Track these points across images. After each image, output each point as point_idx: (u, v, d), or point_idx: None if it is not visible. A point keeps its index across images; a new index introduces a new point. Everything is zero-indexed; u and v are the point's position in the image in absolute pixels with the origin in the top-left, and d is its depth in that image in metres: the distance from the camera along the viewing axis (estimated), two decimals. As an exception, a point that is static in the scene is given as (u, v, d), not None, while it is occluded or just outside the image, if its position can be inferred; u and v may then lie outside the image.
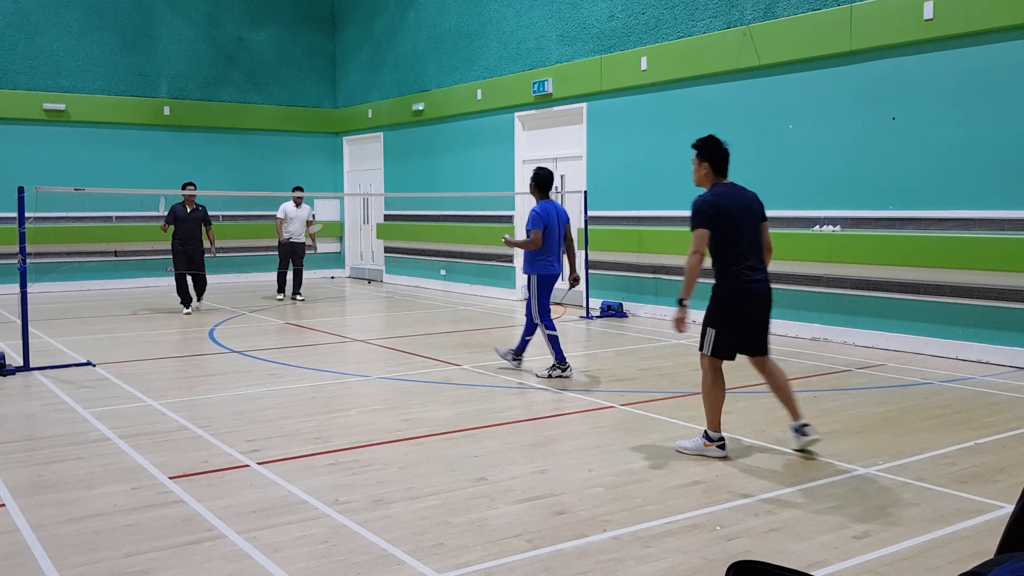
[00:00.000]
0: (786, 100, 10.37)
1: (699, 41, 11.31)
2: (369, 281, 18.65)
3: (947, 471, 5.10)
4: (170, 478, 5.02)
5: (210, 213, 13.45)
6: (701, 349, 5.43)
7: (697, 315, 5.97)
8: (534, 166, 8.89)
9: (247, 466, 5.27)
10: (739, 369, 5.81)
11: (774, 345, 5.99)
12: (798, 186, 10.14)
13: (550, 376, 7.90)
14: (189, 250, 12.80)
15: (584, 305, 12.61)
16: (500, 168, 14.84)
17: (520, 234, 13.67)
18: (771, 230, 5.78)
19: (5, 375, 8.13)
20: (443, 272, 16.59)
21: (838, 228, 9.81)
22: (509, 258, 14.69)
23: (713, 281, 5.38)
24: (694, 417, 6.34)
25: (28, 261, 8.50)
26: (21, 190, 8.43)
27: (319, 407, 6.92)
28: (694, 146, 5.55)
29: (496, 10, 14.85)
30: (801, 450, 5.42)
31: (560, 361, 7.94)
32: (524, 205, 13.37)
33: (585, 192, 12.63)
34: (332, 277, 19.58)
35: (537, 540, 4.05)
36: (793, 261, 10.03)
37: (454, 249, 16.22)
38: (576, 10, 13.25)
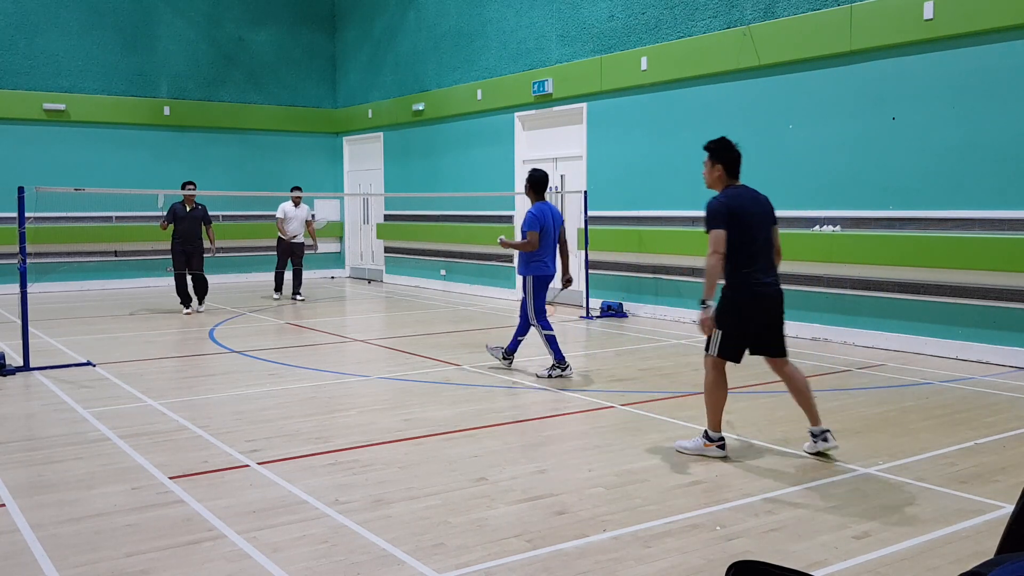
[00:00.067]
0: (786, 100, 10.37)
1: (699, 41, 11.31)
2: (369, 281, 18.66)
3: (947, 471, 5.10)
4: (170, 478, 5.02)
5: (210, 213, 13.43)
6: (707, 349, 5.40)
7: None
8: (534, 166, 8.91)
9: (247, 466, 5.27)
10: (740, 369, 5.80)
11: (774, 345, 5.98)
12: (798, 186, 10.14)
13: (550, 376, 7.91)
14: (189, 250, 12.78)
15: (584, 305, 12.61)
16: (500, 168, 14.85)
17: (517, 235, 13.66)
18: (772, 230, 5.76)
19: (5, 375, 8.13)
20: (443, 272, 16.60)
21: (838, 228, 9.81)
22: (509, 258, 14.69)
23: (723, 282, 5.34)
24: (694, 417, 6.34)
25: (28, 261, 8.50)
26: (21, 190, 8.43)
27: (319, 407, 6.92)
28: (706, 148, 5.50)
29: (496, 10, 14.85)
30: (817, 453, 5.39)
31: (559, 361, 7.94)
32: (524, 205, 13.36)
33: (585, 192, 12.63)
34: (332, 277, 19.58)
35: (537, 540, 4.05)
36: (793, 261, 10.01)
37: (454, 249, 16.22)
38: (576, 10, 13.25)
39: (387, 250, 18.37)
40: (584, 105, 13.20)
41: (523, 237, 8.03)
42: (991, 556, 1.22)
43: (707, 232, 5.25)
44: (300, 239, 14.75)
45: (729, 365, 5.42)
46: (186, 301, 12.93)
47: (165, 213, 13.04)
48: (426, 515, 4.38)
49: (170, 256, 13.02)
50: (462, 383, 7.81)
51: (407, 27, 17.21)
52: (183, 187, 12.85)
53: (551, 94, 13.63)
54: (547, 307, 8.19)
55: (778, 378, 5.60)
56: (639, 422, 6.34)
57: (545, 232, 7.98)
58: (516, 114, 14.56)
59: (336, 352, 9.77)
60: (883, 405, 6.83)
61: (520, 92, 14.27)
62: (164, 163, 17.32)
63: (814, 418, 5.39)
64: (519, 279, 8.58)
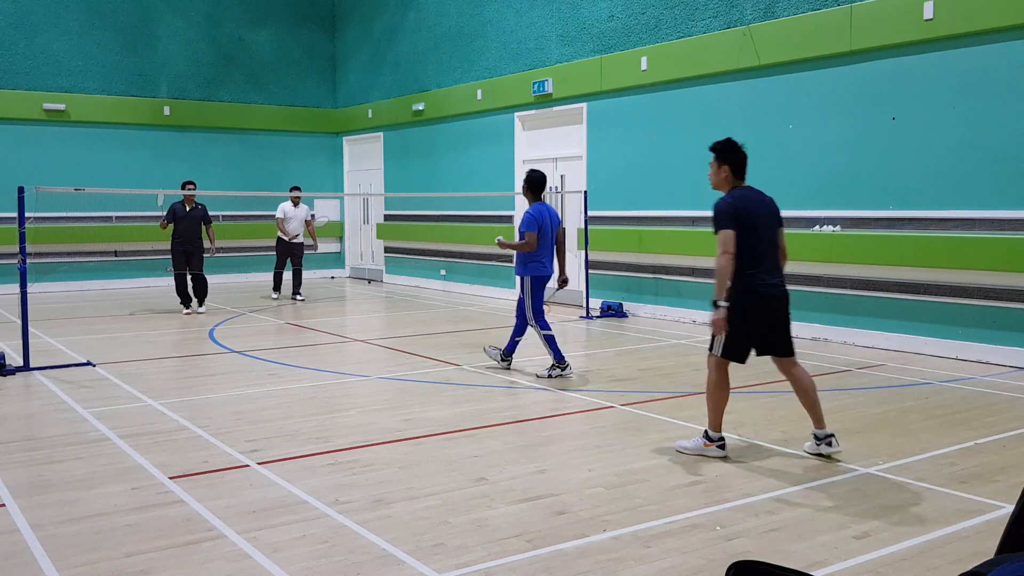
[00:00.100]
0: (786, 100, 10.37)
1: (699, 41, 11.31)
2: (369, 281, 18.66)
3: (947, 471, 5.10)
4: (170, 478, 5.02)
5: (210, 213, 13.43)
6: (711, 350, 5.39)
7: (700, 315, 5.95)
8: (532, 167, 8.92)
9: (247, 466, 5.27)
10: (740, 369, 5.79)
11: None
12: (798, 186, 10.13)
13: (550, 376, 7.91)
14: (188, 250, 12.77)
15: (584, 305, 12.61)
16: (500, 168, 14.85)
17: (515, 235, 13.67)
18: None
19: (5, 375, 8.13)
20: (443, 272, 16.60)
21: (838, 228, 9.81)
22: (508, 258, 14.68)
23: (728, 283, 5.31)
24: (694, 417, 6.34)
25: (28, 261, 8.50)
26: (21, 190, 8.43)
27: (319, 407, 6.92)
28: (713, 148, 5.49)
29: (496, 10, 14.85)
30: (817, 454, 5.38)
31: (559, 360, 7.94)
32: (524, 206, 13.37)
33: (585, 192, 12.63)
34: (332, 277, 19.58)
35: (537, 540, 4.05)
36: (793, 261, 9.90)
37: (454, 249, 16.22)
38: (576, 10, 13.25)
39: (387, 250, 18.37)
40: (584, 105, 13.20)
41: (521, 238, 8.05)
42: (991, 556, 1.22)
43: (715, 233, 5.24)
44: (300, 239, 14.77)
45: (732, 365, 5.41)
46: (186, 301, 12.92)
47: (165, 213, 13.04)
48: (426, 515, 4.38)
49: (170, 256, 13.01)
50: (462, 383, 7.81)
51: (407, 27, 17.21)
52: (183, 187, 12.84)
53: (551, 94, 13.64)
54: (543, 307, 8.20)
55: (779, 378, 5.60)
56: (639, 422, 6.34)
57: (543, 233, 8.00)
58: (516, 114, 14.56)
59: (336, 352, 9.77)
60: (883, 405, 6.83)
61: (520, 92, 14.27)
62: (164, 163, 17.32)
63: (819, 421, 5.37)
64: (517, 279, 8.58)
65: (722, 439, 5.39)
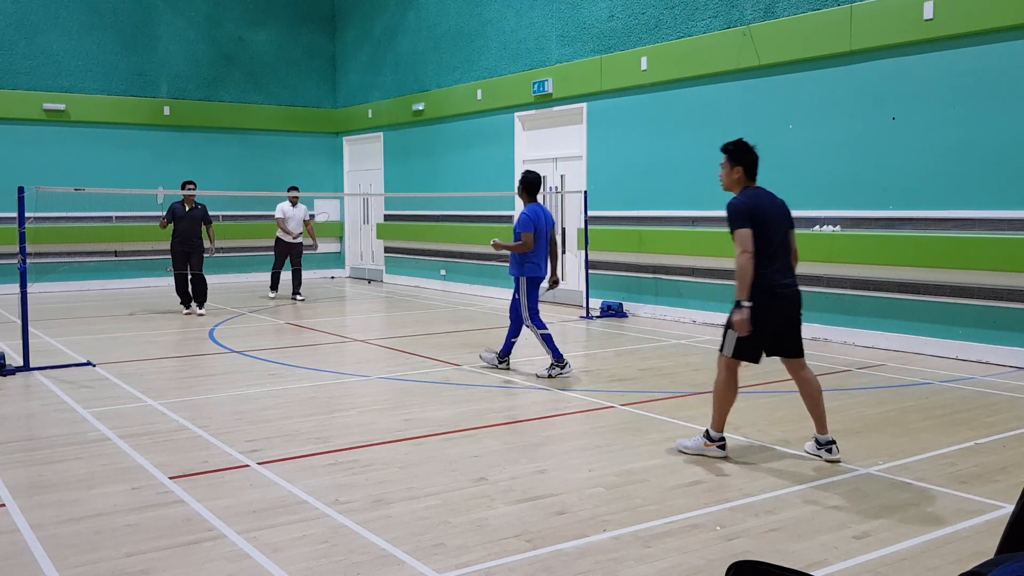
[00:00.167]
0: (786, 100, 10.37)
1: (699, 41, 11.31)
2: (369, 281, 18.66)
3: (947, 471, 5.10)
4: (170, 478, 5.02)
5: (210, 213, 13.42)
6: (721, 350, 5.37)
7: (716, 317, 5.94)
8: (527, 168, 8.94)
9: (247, 466, 5.27)
10: (740, 370, 5.79)
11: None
12: (798, 186, 10.13)
13: (550, 376, 7.91)
14: (187, 250, 12.74)
15: (584, 305, 12.61)
16: (500, 168, 14.85)
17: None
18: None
19: (5, 375, 8.13)
20: (443, 272, 16.60)
21: (838, 228, 9.81)
22: (507, 259, 14.66)
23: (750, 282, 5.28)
24: (694, 417, 6.34)
25: (28, 261, 8.50)
26: (21, 190, 8.43)
27: (319, 407, 6.92)
28: (725, 149, 5.47)
29: (496, 10, 14.85)
30: (817, 455, 5.38)
31: (558, 359, 7.95)
32: (523, 206, 13.38)
33: (585, 192, 12.63)
34: (332, 277, 19.58)
35: (537, 540, 4.05)
36: (793, 261, 10.02)
37: (454, 249, 16.22)
38: (576, 10, 13.25)
39: (387, 250, 18.37)
40: (584, 105, 13.20)
41: (517, 239, 8.07)
42: (991, 556, 1.21)
43: (731, 233, 5.20)
44: (299, 239, 14.78)
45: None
46: (186, 301, 12.91)
47: (165, 212, 13.03)
48: (426, 515, 4.38)
49: (170, 256, 12.99)
50: (462, 383, 7.81)
51: (407, 27, 17.22)
52: (183, 187, 12.83)
53: (551, 94, 13.64)
54: None
55: (779, 378, 5.60)
56: (639, 422, 6.34)
57: (538, 233, 8.05)
58: (516, 114, 14.56)
59: (336, 352, 9.77)
60: (883, 405, 6.83)
61: (520, 92, 14.27)
62: (164, 163, 17.32)
63: (822, 425, 5.36)
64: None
65: (723, 439, 5.39)
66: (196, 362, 9.20)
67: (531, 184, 8.21)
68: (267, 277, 15.42)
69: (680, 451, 5.48)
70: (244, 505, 4.55)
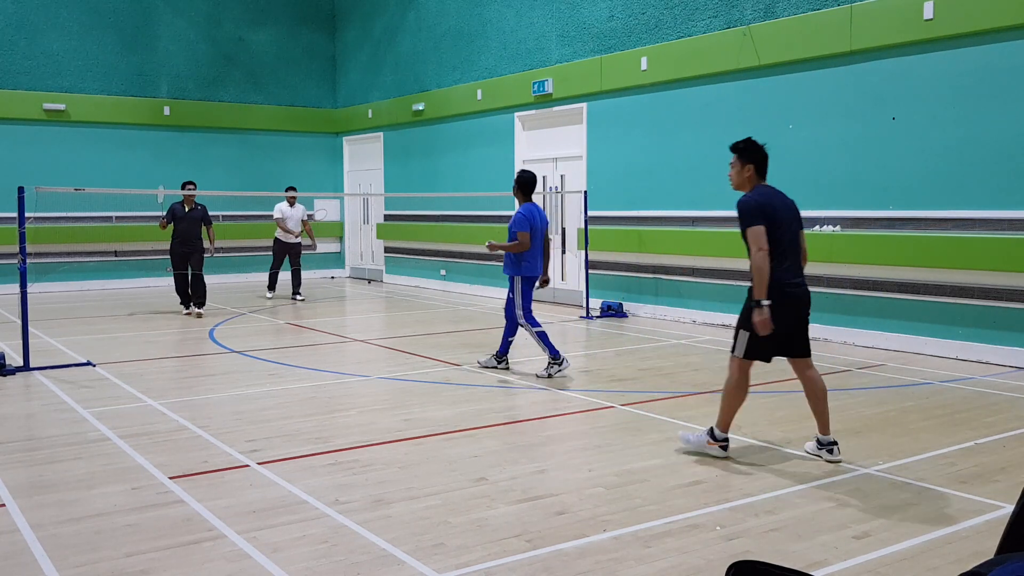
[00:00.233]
0: (786, 100, 10.37)
1: (699, 41, 11.31)
2: (369, 281, 18.66)
3: (947, 471, 5.10)
4: (170, 478, 5.02)
5: (210, 213, 13.41)
6: (733, 351, 5.35)
7: (727, 318, 5.93)
8: (533, 167, 8.94)
9: (247, 466, 5.27)
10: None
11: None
12: (798, 186, 10.06)
13: (549, 375, 7.91)
14: (187, 251, 12.72)
15: (584, 305, 12.61)
16: (500, 168, 14.84)
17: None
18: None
19: (5, 375, 8.13)
20: (443, 272, 16.60)
21: (838, 228, 9.81)
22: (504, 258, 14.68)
23: (751, 283, 5.27)
24: (694, 417, 6.34)
25: (28, 261, 8.50)
26: (21, 190, 8.43)
27: (319, 407, 6.92)
28: (735, 148, 5.45)
29: (496, 10, 14.85)
30: (817, 456, 5.38)
31: (554, 357, 7.95)
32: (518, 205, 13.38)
33: (585, 192, 12.63)
34: (332, 277, 19.58)
35: (537, 540, 4.05)
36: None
37: (454, 249, 16.22)
38: (576, 10, 13.25)
39: (387, 250, 18.37)
40: (584, 105, 13.20)
41: (512, 238, 8.08)
42: (991, 556, 1.22)
43: (743, 231, 5.16)
44: (297, 239, 14.78)
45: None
46: (186, 301, 12.90)
47: (165, 213, 13.02)
48: (426, 515, 4.38)
49: (169, 256, 12.98)
50: (462, 383, 7.81)
51: (407, 27, 17.22)
52: (183, 187, 12.82)
53: (551, 94, 13.64)
54: None
55: (778, 378, 5.59)
56: (639, 422, 6.33)
57: (534, 233, 8.07)
58: (516, 114, 14.56)
59: (336, 352, 9.77)
60: (883, 405, 6.83)
61: (520, 92, 14.27)
62: (164, 163, 17.32)
63: (824, 426, 5.35)
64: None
65: (727, 440, 5.38)
66: (196, 362, 9.20)
67: (526, 184, 8.24)
68: (267, 277, 15.41)
69: (682, 443, 5.47)
70: (244, 505, 4.55)
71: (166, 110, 17.52)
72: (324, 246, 18.71)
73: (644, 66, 12.01)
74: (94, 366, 8.65)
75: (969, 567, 1.16)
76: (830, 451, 5.30)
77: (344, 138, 19.58)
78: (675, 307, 11.89)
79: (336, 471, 5.16)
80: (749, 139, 5.47)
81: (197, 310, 12.77)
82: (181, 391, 7.67)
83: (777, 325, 5.17)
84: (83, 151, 16.66)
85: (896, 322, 9.39)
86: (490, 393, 7.43)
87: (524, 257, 8.09)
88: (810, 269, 9.90)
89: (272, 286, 15.02)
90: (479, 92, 15.17)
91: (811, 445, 5.43)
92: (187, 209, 12.78)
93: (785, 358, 5.42)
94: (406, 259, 17.74)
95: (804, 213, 9.93)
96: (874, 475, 5.03)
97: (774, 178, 5.52)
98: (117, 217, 16.74)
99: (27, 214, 8.42)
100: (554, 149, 14.02)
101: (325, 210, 17.69)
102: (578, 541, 4.04)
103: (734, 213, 5.34)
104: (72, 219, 16.19)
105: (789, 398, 6.84)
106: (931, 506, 4.52)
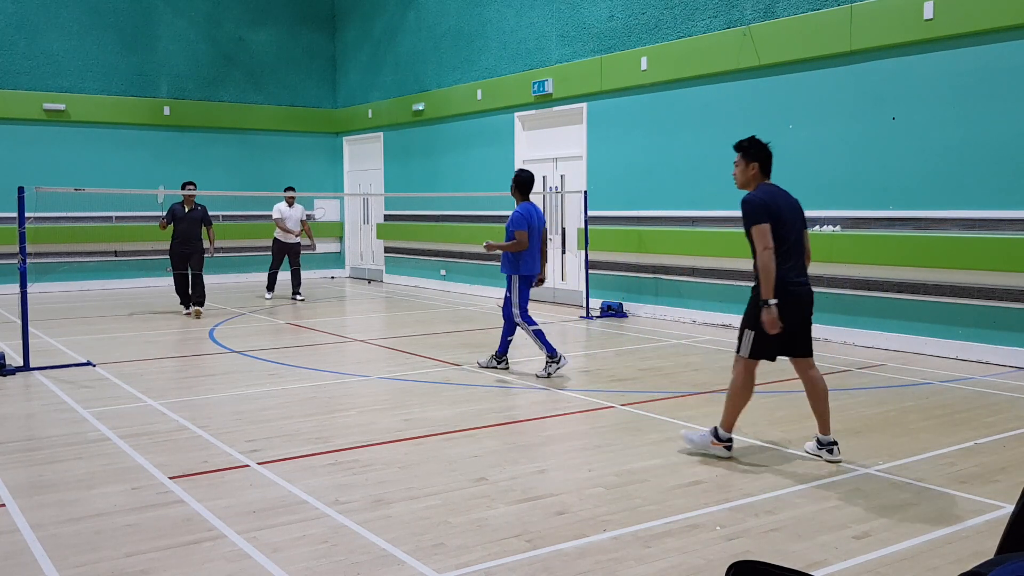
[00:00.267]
0: (786, 100, 10.37)
1: (699, 41, 11.31)
2: (369, 281, 18.66)
3: (947, 471, 5.10)
4: (170, 478, 5.02)
5: (210, 213, 13.41)
6: (738, 351, 5.33)
7: (731, 318, 5.92)
8: (532, 166, 8.94)
9: (247, 466, 5.27)
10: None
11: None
12: (798, 186, 10.00)
13: (549, 375, 7.91)
14: (187, 251, 12.72)
15: (584, 305, 12.61)
16: (500, 168, 14.84)
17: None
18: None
19: (5, 375, 8.13)
20: (443, 272, 16.60)
21: (838, 228, 9.81)
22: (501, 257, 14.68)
23: (754, 283, 5.27)
24: (694, 417, 6.34)
25: (28, 261, 8.50)
26: (21, 190, 8.43)
27: (319, 407, 6.92)
28: (739, 147, 5.43)
29: (496, 10, 14.85)
30: (817, 456, 5.38)
31: (551, 355, 7.95)
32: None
33: (585, 192, 12.63)
34: (332, 277, 19.58)
35: (537, 540, 4.05)
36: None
37: (454, 249, 16.22)
38: (576, 10, 13.25)
39: (387, 250, 18.37)
40: (584, 105, 13.20)
41: (510, 237, 8.09)
42: (991, 556, 1.22)
43: (748, 230, 5.14)
44: (297, 239, 14.79)
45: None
46: (186, 301, 12.90)
47: (165, 213, 13.01)
48: (426, 515, 4.38)
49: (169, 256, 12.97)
50: (462, 383, 7.81)
51: (407, 27, 17.22)
52: (183, 187, 12.82)
53: (551, 94, 13.64)
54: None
55: (778, 378, 5.59)
56: (639, 422, 6.33)
57: (531, 232, 8.08)
58: (516, 114, 14.56)
59: (336, 352, 9.77)
60: (883, 405, 6.83)
61: (520, 92, 14.27)
62: (164, 163, 17.32)
63: (824, 426, 5.35)
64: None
65: (731, 440, 5.37)
66: (196, 362, 9.20)
67: (524, 183, 8.25)
68: (266, 277, 15.40)
69: (686, 443, 5.46)
70: (244, 505, 4.55)
71: (166, 110, 17.52)
72: (324, 246, 18.71)
73: (644, 66, 12.01)
74: (94, 366, 8.65)
75: (969, 567, 1.16)
76: (830, 451, 5.30)
77: (344, 138, 19.58)
78: (675, 307, 11.89)
79: (336, 471, 5.16)
80: (753, 137, 5.45)
81: (197, 310, 12.77)
82: (181, 391, 7.67)
83: (783, 324, 5.16)
84: (83, 151, 16.66)
85: (896, 322, 9.39)
86: (490, 393, 7.43)
87: (522, 256, 8.10)
88: (810, 269, 9.91)
89: (271, 286, 15.02)
90: (479, 92, 15.17)
91: (811, 445, 5.43)
92: (187, 209, 12.78)
93: (787, 358, 5.41)
94: (406, 259, 17.74)
95: (804, 213, 10.01)
96: (874, 475, 5.03)
97: (774, 178, 5.51)
98: (117, 217, 16.74)
99: (27, 214, 8.42)
100: (554, 149, 14.02)
101: (324, 209, 17.70)
102: (578, 541, 4.04)
103: (734, 213, 5.34)
104: (72, 219, 16.19)
105: (789, 398, 6.84)
106: (931, 506, 4.52)
